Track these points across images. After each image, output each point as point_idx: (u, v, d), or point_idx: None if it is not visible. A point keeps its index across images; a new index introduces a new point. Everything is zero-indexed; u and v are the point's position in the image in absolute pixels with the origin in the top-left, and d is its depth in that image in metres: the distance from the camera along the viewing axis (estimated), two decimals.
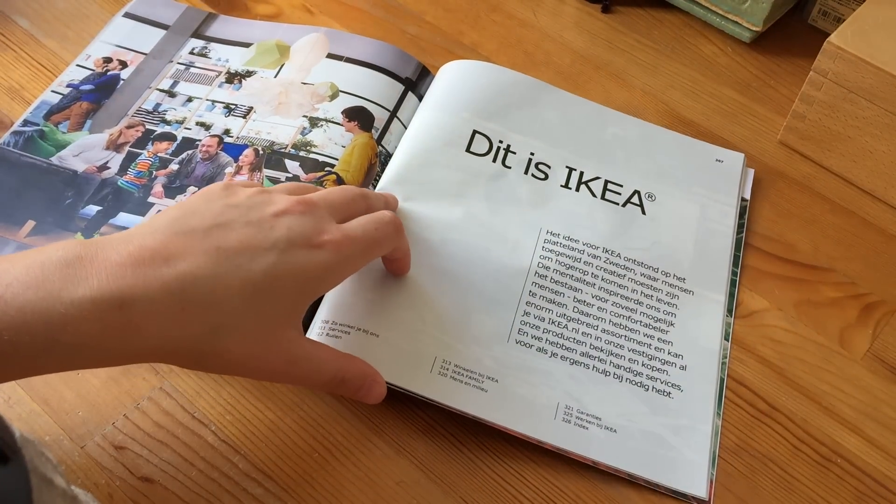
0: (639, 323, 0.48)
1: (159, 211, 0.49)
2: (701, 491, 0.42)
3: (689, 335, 0.48)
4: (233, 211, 0.37)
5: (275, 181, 0.51)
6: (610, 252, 0.50)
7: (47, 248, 0.34)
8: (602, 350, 0.46)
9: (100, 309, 0.32)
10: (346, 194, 0.43)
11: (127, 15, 0.60)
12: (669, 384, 0.46)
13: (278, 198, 0.39)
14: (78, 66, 0.57)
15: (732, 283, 0.50)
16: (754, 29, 0.62)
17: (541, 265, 0.49)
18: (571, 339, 0.46)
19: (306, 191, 0.42)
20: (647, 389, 0.45)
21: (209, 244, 0.35)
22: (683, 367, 0.46)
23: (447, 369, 0.44)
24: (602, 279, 0.49)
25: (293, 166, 0.52)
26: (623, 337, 0.47)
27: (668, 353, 0.47)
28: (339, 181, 0.51)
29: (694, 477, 0.43)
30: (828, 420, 0.45)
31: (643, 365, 0.46)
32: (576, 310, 0.47)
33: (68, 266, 0.32)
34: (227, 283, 0.35)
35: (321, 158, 0.52)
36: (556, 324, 0.47)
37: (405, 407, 0.44)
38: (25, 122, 0.53)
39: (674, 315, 0.48)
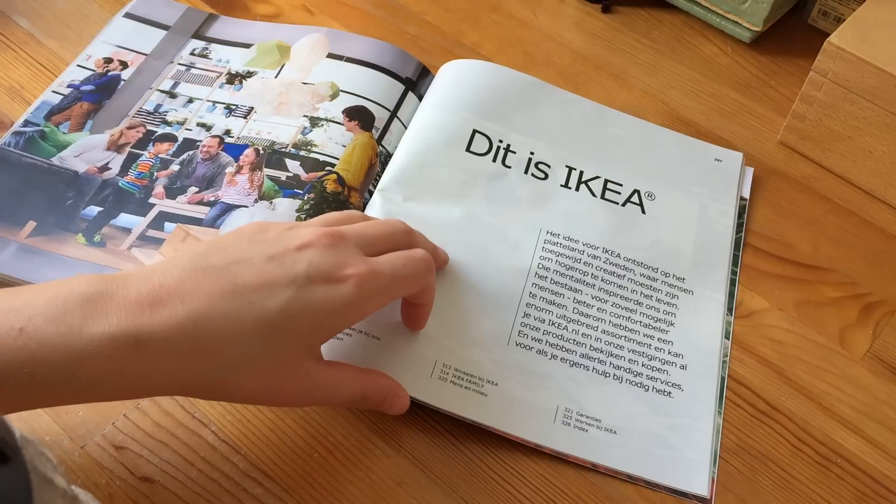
0: (638, 323, 0.48)
1: (159, 210, 0.49)
2: (702, 489, 0.42)
3: (689, 334, 0.48)
4: (257, 246, 0.37)
5: (275, 180, 0.51)
6: (609, 252, 0.50)
7: (71, 280, 0.34)
8: (602, 351, 0.46)
9: (117, 346, 0.32)
10: (386, 228, 0.42)
11: (127, 15, 0.60)
12: (670, 384, 0.46)
13: (306, 231, 0.38)
14: (78, 66, 0.57)
15: (732, 283, 0.50)
16: (754, 29, 0.62)
17: (541, 266, 0.49)
18: (571, 341, 0.46)
19: (347, 221, 0.41)
20: (648, 390, 0.45)
21: (225, 282, 0.35)
22: (684, 367, 0.46)
23: (447, 374, 0.44)
24: (602, 280, 0.49)
25: (294, 165, 0.52)
26: (623, 338, 0.47)
27: (668, 353, 0.47)
28: (340, 180, 0.51)
29: (695, 475, 0.43)
30: (828, 420, 0.45)
31: (643, 365, 0.46)
32: (576, 311, 0.47)
33: (89, 302, 0.33)
34: (239, 322, 0.35)
35: (322, 158, 0.52)
36: (557, 325, 0.47)
37: None
38: (26, 123, 0.53)
39: (673, 315, 0.48)
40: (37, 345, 0.31)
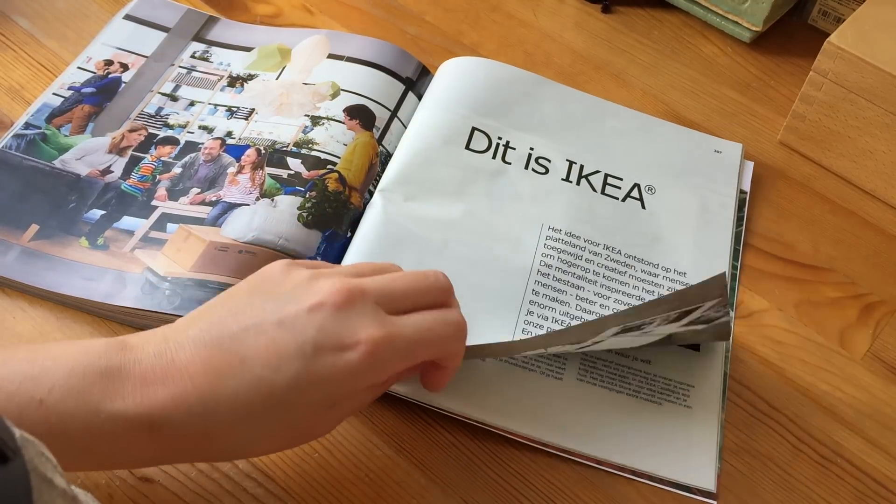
0: None
1: (162, 212, 0.50)
2: (709, 483, 0.42)
3: None
4: (270, 305, 0.36)
5: (277, 178, 0.51)
6: (611, 249, 0.50)
7: (90, 350, 0.34)
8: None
9: (132, 428, 0.33)
10: (419, 282, 0.38)
11: (127, 17, 0.60)
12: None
13: (324, 284, 0.36)
14: (79, 68, 0.57)
15: (733, 277, 0.51)
16: (754, 29, 0.62)
17: (543, 263, 0.49)
18: None
19: (379, 272, 0.39)
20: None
21: (234, 355, 0.34)
22: None
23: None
24: (603, 276, 0.49)
25: (295, 163, 0.52)
26: None
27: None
28: (341, 179, 0.51)
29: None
30: (828, 420, 0.45)
31: None
32: (578, 307, 0.48)
33: (108, 378, 0.33)
34: (248, 401, 0.34)
35: (323, 156, 0.52)
36: (560, 322, 0.47)
37: (405, 407, 0.44)
38: (27, 125, 0.53)
39: None
40: (57, 418, 0.32)
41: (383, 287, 0.37)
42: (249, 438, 0.35)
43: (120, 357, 0.34)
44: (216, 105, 0.56)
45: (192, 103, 0.56)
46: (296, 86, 0.56)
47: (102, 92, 0.56)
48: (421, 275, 0.39)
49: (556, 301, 0.48)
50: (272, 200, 0.50)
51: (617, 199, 0.53)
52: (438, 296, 0.39)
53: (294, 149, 0.53)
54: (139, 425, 0.33)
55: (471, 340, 0.45)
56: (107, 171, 0.52)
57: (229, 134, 0.54)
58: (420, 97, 0.57)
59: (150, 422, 0.33)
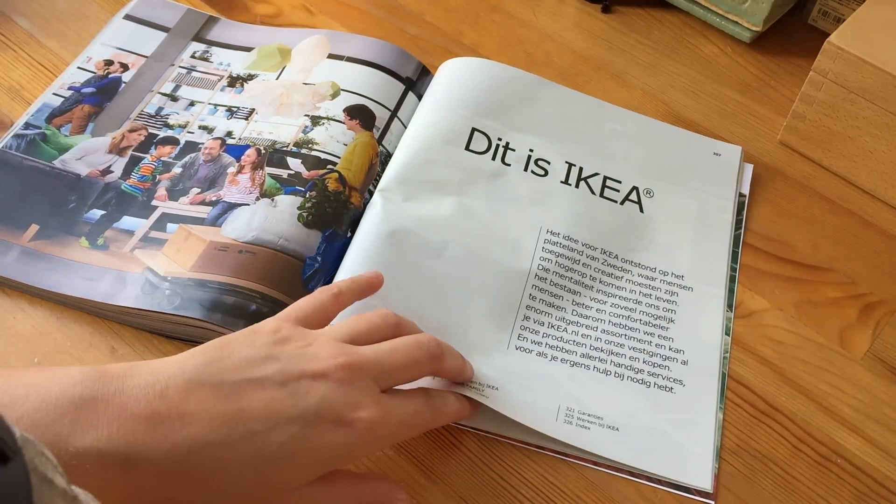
0: (638, 322, 0.48)
1: (162, 212, 0.50)
2: (706, 483, 0.42)
3: (689, 331, 0.48)
4: (272, 364, 0.36)
5: (277, 178, 0.51)
6: (608, 254, 0.50)
7: (66, 377, 0.33)
8: (602, 350, 0.46)
9: (104, 463, 0.31)
10: (411, 355, 0.39)
11: (127, 17, 0.60)
12: (671, 379, 0.46)
13: (325, 353, 0.37)
14: (79, 68, 0.57)
15: (732, 279, 0.51)
16: (754, 29, 0.62)
17: (541, 267, 0.49)
18: (571, 342, 0.46)
19: (373, 331, 0.39)
20: (649, 386, 0.45)
21: (231, 405, 0.34)
22: (685, 363, 0.46)
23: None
24: (600, 281, 0.49)
25: (295, 163, 0.52)
26: (623, 336, 0.47)
27: (669, 350, 0.47)
28: (341, 179, 0.51)
29: (698, 470, 0.43)
30: (828, 420, 0.45)
31: (644, 362, 0.46)
32: (574, 312, 0.48)
33: (82, 408, 0.32)
34: (236, 452, 0.33)
35: (323, 156, 0.52)
36: (556, 327, 0.47)
37: None
38: (27, 125, 0.53)
39: (673, 312, 0.48)
40: None
41: (381, 363, 0.38)
42: (222, 491, 0.34)
43: (97, 386, 0.33)
44: (216, 105, 0.56)
45: (192, 103, 0.56)
46: (296, 86, 0.57)
47: (102, 92, 0.56)
48: (414, 345, 0.39)
49: (553, 306, 0.48)
50: (272, 200, 0.50)
51: (615, 202, 0.53)
52: (430, 367, 0.40)
53: (294, 149, 0.53)
54: (111, 460, 0.31)
55: (469, 344, 0.45)
56: (107, 171, 0.52)
57: (229, 134, 0.54)
58: (420, 97, 0.57)
59: (124, 457, 0.32)
